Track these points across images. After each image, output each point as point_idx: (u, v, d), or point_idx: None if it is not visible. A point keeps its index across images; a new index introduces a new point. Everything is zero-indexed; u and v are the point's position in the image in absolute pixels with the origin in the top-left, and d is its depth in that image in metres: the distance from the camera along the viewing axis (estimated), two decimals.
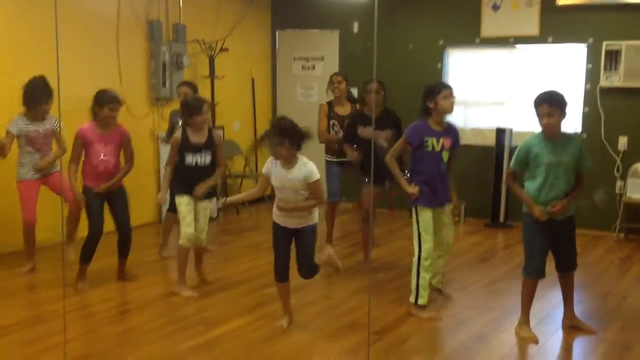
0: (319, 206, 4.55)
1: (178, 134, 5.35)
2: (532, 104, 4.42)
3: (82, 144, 5.30)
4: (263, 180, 4.63)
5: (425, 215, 4.85)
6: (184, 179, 5.33)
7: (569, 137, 4.48)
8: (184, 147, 5.29)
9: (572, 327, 4.74)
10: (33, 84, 5.61)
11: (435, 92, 4.84)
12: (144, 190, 7.63)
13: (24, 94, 5.62)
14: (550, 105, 4.32)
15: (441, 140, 4.86)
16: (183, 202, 5.30)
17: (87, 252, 5.39)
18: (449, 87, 4.92)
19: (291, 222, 4.53)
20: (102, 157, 5.34)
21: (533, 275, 4.51)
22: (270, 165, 4.50)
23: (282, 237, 4.59)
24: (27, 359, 4.08)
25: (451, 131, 4.98)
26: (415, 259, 4.85)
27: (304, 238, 4.57)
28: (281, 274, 4.63)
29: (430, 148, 4.84)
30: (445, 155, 4.88)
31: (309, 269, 4.67)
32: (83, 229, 5.37)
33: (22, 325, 4.65)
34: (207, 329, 4.62)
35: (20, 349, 4.24)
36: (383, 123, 5.90)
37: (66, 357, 3.95)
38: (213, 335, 4.51)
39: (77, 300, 5.14)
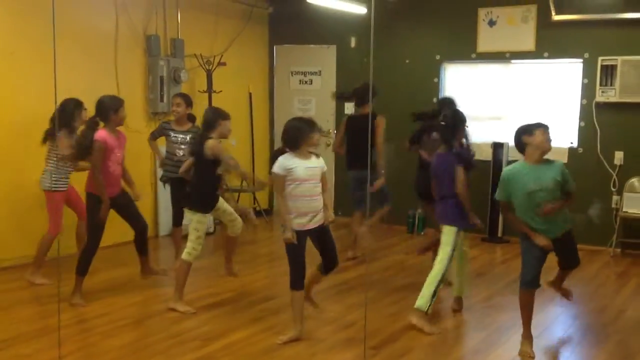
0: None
1: (215, 141, 5.19)
2: (528, 129, 4.48)
3: (104, 151, 5.31)
4: (280, 180, 4.54)
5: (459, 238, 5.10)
6: (209, 193, 5.31)
7: (549, 163, 4.49)
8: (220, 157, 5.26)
9: (552, 285, 5.11)
10: (69, 102, 5.68)
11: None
12: (139, 205, 7.61)
13: (62, 112, 5.62)
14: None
15: None
16: (204, 221, 5.31)
17: (87, 264, 5.39)
18: None
19: (313, 222, 4.60)
20: (118, 163, 5.44)
21: (525, 286, 4.53)
22: (287, 162, 4.52)
23: (301, 243, 4.61)
24: None
25: None
26: (438, 273, 4.95)
27: (326, 235, 4.71)
28: (301, 282, 4.69)
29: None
30: None
31: (336, 263, 4.83)
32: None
33: (18, 340, 4.63)
34: (205, 344, 4.61)
35: None
36: None
37: None
38: (211, 350, 4.51)
39: (73, 315, 5.12)
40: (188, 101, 6.46)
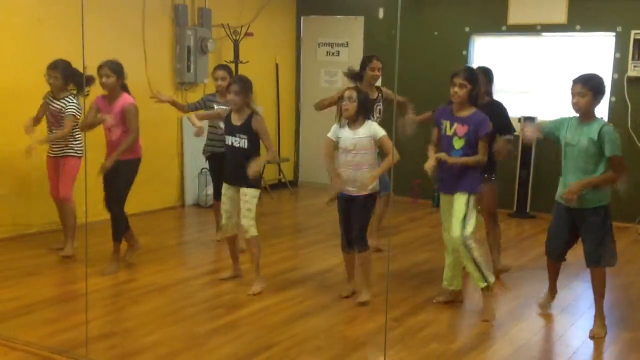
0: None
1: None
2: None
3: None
4: (330, 142, 4.84)
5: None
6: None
7: (594, 121, 4.33)
8: None
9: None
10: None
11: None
12: (165, 175, 7.68)
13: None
14: (583, 85, 4.31)
15: (455, 126, 4.62)
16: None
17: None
18: (455, 75, 4.64)
19: (349, 188, 4.75)
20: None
21: (546, 253, 4.72)
22: (336, 129, 4.81)
23: (341, 206, 4.84)
24: (50, 337, 4.14)
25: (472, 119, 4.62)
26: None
27: (356, 207, 4.76)
28: (342, 243, 4.92)
29: (444, 131, 4.69)
30: (457, 143, 4.61)
31: (356, 242, 4.82)
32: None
33: (45, 304, 4.72)
34: (228, 312, 4.66)
35: (43, 327, 4.30)
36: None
37: (88, 336, 4.00)
38: (233, 318, 4.55)
39: (100, 281, 5.20)
40: (231, 73, 6.28)
